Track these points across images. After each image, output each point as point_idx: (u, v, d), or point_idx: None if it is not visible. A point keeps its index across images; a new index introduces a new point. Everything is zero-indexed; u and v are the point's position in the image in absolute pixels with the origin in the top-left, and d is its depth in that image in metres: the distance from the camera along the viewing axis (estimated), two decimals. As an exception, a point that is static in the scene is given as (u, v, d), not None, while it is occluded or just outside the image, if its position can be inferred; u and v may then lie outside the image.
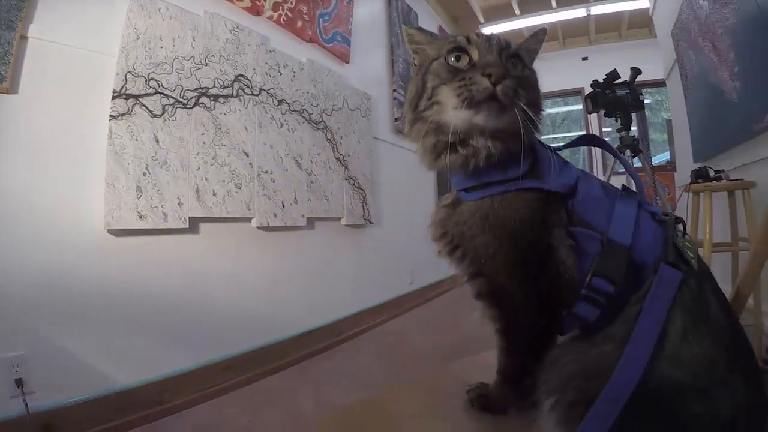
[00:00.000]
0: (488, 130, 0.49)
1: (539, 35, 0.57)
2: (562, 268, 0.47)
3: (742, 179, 1.75)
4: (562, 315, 0.48)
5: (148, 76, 1.37)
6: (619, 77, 2.19)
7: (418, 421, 0.58)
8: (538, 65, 0.57)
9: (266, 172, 1.83)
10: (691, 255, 0.45)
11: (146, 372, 1.34)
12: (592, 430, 0.37)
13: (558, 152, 0.54)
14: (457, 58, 0.50)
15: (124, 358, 1.29)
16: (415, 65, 0.58)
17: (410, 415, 0.60)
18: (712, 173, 1.79)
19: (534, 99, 0.52)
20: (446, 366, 0.66)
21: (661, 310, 0.41)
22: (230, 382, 1.56)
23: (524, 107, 0.47)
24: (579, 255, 0.47)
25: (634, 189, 0.54)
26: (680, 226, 0.50)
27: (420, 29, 0.58)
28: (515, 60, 0.51)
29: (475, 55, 0.50)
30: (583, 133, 5.86)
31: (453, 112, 0.49)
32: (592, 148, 4.56)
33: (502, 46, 0.51)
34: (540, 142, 0.54)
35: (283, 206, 1.90)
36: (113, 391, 1.24)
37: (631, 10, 4.31)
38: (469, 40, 0.51)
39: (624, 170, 2.16)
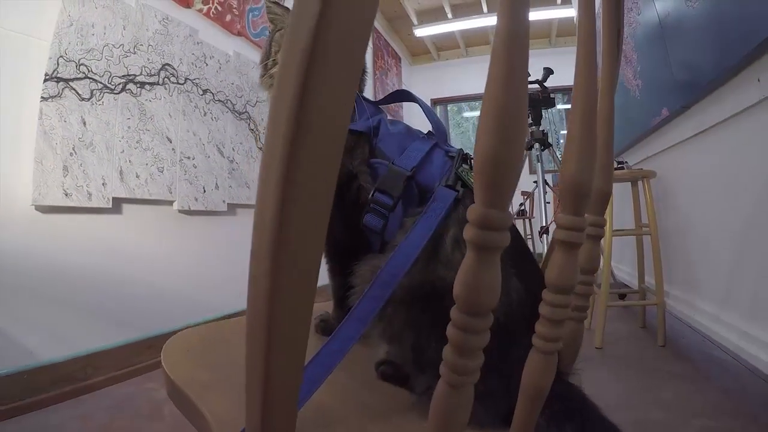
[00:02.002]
0: None
1: None
2: (361, 190, 0.60)
3: (641, 169, 1.98)
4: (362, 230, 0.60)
5: (78, 62, 1.51)
6: (529, 75, 2.59)
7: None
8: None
9: (188, 157, 2.02)
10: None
11: (70, 348, 1.46)
12: (363, 309, 0.43)
13: (379, 105, 0.70)
14: None
15: (48, 334, 1.41)
16: (269, 32, 0.74)
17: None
18: (615, 164, 2.07)
19: None
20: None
21: (432, 219, 0.49)
22: (152, 360, 1.70)
23: None
24: (374, 179, 0.60)
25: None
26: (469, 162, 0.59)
27: (277, 3, 0.73)
28: None
29: None
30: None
31: None
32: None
33: None
34: (358, 95, 0.67)
35: (204, 191, 2.10)
36: (37, 366, 1.35)
37: (560, 18, 4.74)
38: None
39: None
